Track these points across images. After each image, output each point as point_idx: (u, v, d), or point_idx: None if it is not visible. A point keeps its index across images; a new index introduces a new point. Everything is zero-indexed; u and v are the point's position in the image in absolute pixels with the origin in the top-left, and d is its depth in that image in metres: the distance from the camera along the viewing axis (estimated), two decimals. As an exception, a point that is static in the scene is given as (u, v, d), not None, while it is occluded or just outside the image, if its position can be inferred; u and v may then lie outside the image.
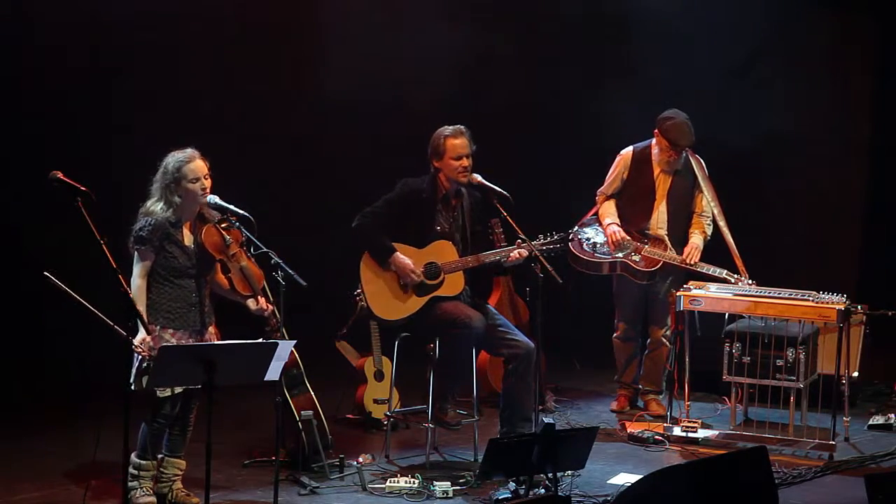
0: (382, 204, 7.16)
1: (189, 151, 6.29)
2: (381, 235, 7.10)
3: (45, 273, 5.85)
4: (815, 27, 10.21)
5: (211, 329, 6.39)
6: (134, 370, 6.11)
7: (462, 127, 7.15)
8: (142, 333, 5.94)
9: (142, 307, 6.08)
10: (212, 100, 9.32)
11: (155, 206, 6.25)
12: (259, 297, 6.34)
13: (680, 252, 8.03)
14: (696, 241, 8.02)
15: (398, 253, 7.08)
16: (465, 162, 7.11)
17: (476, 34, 9.70)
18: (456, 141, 7.11)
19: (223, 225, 6.31)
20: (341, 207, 7.50)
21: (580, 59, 10.09)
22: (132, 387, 6.06)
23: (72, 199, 5.53)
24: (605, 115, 9.59)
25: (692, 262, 7.90)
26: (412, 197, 7.15)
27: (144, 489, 6.31)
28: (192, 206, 6.29)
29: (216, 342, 6.24)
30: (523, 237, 7.05)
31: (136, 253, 6.24)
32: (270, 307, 6.37)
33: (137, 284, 6.18)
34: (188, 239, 6.32)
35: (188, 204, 6.27)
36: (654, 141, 8.09)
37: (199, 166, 6.27)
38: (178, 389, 6.24)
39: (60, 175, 5.62)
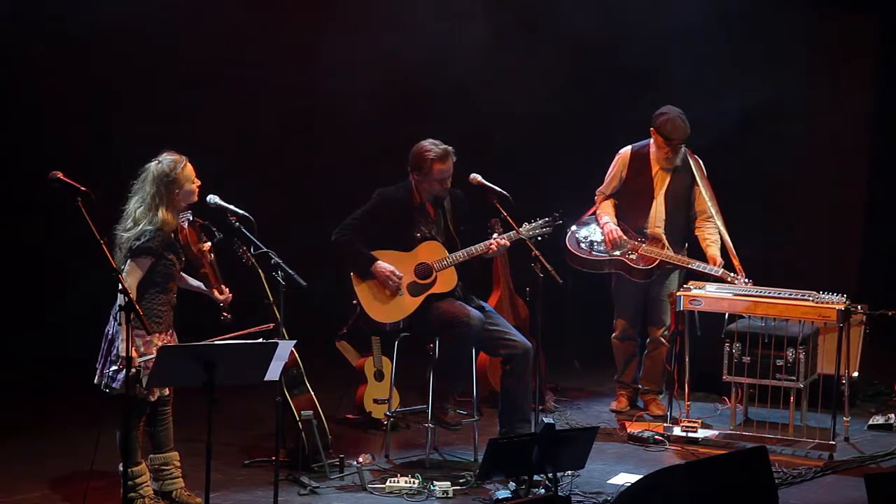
0: (360, 216, 7.19)
1: (177, 156, 6.26)
2: (359, 248, 7.13)
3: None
4: (816, 27, 10.20)
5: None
6: (120, 375, 6.08)
7: (450, 148, 7.15)
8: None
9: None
10: (211, 99, 9.32)
11: (164, 215, 6.15)
12: (223, 287, 6.36)
13: (678, 251, 8.04)
14: (714, 252, 7.96)
15: (378, 261, 7.11)
16: (447, 183, 7.17)
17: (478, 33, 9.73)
18: (443, 166, 7.12)
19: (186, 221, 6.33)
20: (340, 206, 7.52)
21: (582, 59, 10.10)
22: (120, 390, 6.04)
23: (72, 199, 5.52)
24: (606, 114, 9.62)
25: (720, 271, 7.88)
26: (389, 207, 7.19)
27: (148, 498, 6.29)
28: (183, 208, 6.28)
29: (217, 342, 6.23)
30: (515, 227, 7.10)
31: (132, 262, 6.12)
32: (230, 295, 6.37)
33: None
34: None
35: (182, 207, 6.26)
36: (651, 140, 8.10)
37: (191, 168, 6.28)
38: (166, 391, 6.29)
39: (60, 175, 5.61)
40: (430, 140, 7.19)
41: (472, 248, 7.18)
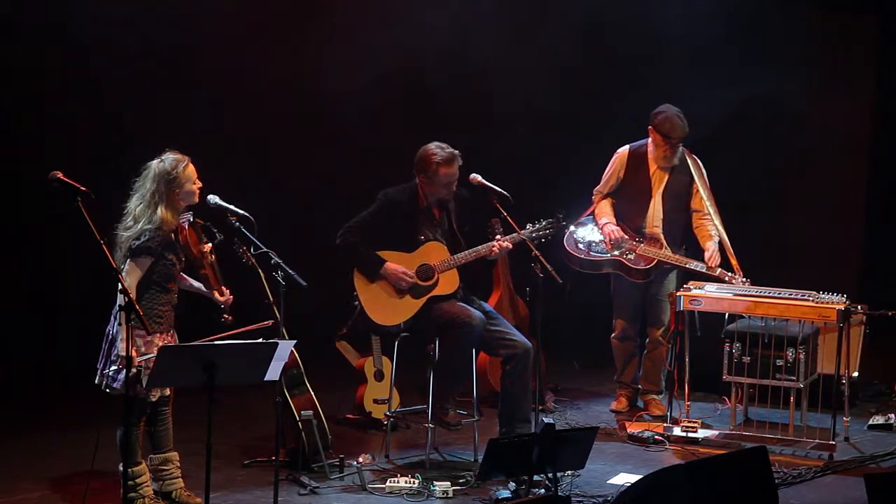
0: (364, 218, 7.17)
1: (179, 155, 6.26)
2: (366, 251, 7.12)
3: None
4: (816, 27, 10.20)
5: None
6: (120, 375, 6.08)
7: (456, 152, 7.13)
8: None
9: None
10: (211, 99, 9.32)
11: (163, 214, 6.16)
12: (223, 288, 6.36)
13: (676, 251, 8.04)
14: (713, 246, 7.98)
15: (387, 262, 7.10)
16: (453, 187, 7.15)
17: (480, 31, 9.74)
18: (449, 170, 7.11)
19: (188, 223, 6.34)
20: (341, 206, 7.52)
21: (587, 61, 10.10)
22: (121, 390, 6.05)
23: (72, 199, 5.52)
24: (608, 115, 9.62)
25: (714, 265, 7.88)
26: (393, 209, 7.17)
27: (148, 498, 6.29)
28: (182, 208, 6.28)
29: (217, 342, 6.22)
30: (515, 227, 7.11)
31: (131, 262, 6.13)
32: (231, 297, 6.37)
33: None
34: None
35: (182, 207, 6.26)
36: (650, 139, 8.10)
37: (193, 169, 6.28)
38: (167, 391, 6.29)
39: (60, 175, 5.61)
40: (436, 143, 7.16)
41: (475, 249, 7.17)
